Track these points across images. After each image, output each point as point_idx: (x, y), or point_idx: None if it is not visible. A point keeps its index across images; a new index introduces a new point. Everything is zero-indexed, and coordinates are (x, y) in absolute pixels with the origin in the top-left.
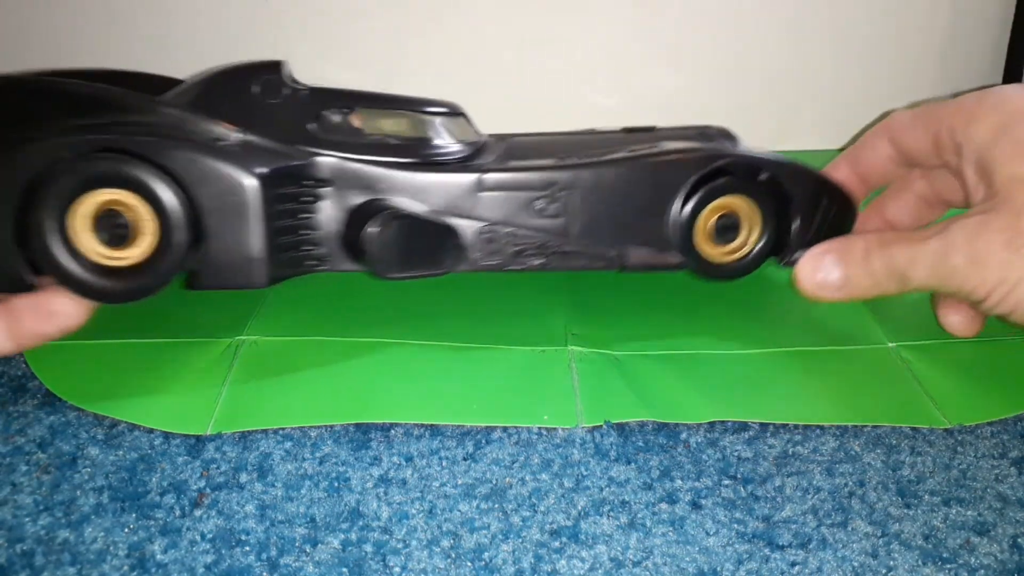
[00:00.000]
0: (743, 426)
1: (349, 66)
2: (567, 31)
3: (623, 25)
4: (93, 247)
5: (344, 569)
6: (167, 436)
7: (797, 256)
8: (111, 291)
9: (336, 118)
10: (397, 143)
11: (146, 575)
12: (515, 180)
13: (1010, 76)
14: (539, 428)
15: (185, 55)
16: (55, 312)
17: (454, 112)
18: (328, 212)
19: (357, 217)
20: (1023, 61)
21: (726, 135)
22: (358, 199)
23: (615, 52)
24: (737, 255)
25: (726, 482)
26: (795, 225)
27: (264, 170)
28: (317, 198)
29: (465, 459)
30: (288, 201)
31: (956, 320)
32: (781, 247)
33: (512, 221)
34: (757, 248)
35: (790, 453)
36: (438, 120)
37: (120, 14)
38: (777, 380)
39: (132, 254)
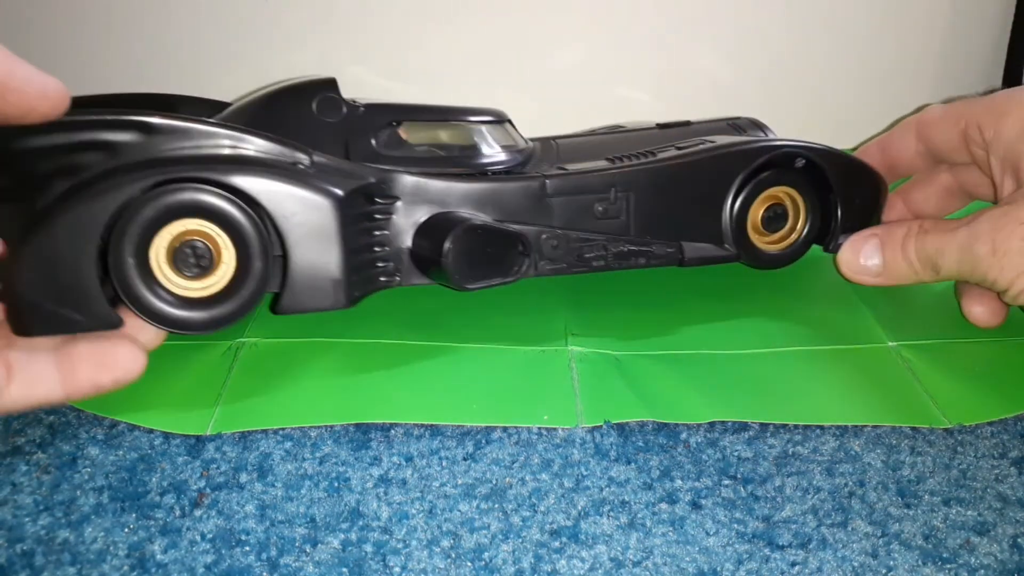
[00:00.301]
0: (743, 426)
1: (360, 61)
2: (591, 28)
3: (646, 21)
4: (174, 279)
5: (344, 569)
6: (167, 436)
7: (841, 241)
8: (194, 322)
9: (395, 134)
10: (455, 154)
11: (146, 575)
12: (577, 184)
13: (1010, 76)
14: (539, 428)
15: (187, 55)
16: (115, 363)
17: (500, 119)
18: (398, 228)
19: (427, 231)
20: (1023, 61)
21: (758, 125)
22: (426, 213)
23: (642, 47)
24: (785, 243)
25: (726, 482)
26: (837, 211)
27: (340, 192)
28: (387, 215)
29: (465, 459)
30: (362, 220)
31: (979, 311)
32: (824, 233)
33: (575, 225)
34: (803, 235)
35: (790, 453)
36: (485, 128)
37: (119, 14)
38: (777, 380)
39: (213, 283)
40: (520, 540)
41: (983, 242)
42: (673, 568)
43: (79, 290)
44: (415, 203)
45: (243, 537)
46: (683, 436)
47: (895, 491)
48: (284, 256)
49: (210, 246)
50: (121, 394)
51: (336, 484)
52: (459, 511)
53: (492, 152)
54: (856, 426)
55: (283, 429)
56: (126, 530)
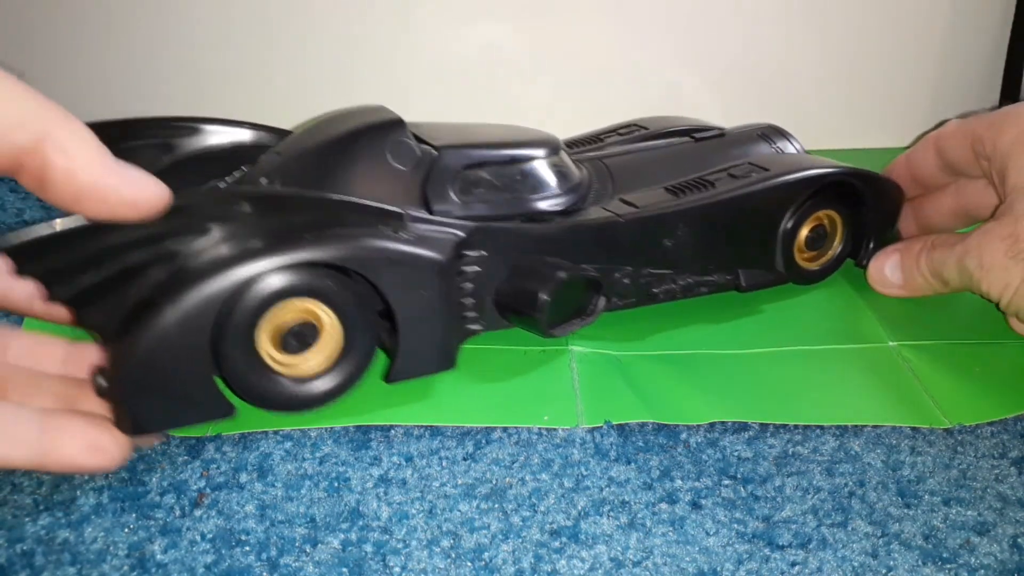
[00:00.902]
0: (743, 426)
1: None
2: (587, 34)
3: (640, 27)
4: (279, 358)
5: (344, 569)
6: (167, 436)
7: (871, 256)
8: (300, 400)
9: (468, 178)
10: (526, 195)
11: (146, 575)
12: (648, 222)
13: (1010, 78)
14: (539, 428)
15: (187, 55)
16: (101, 448)
17: (556, 147)
18: (482, 277)
19: (516, 281)
20: (1022, 65)
21: (782, 133)
22: (508, 260)
23: (634, 53)
24: (823, 260)
25: (726, 482)
26: (873, 230)
27: (441, 258)
28: (475, 266)
29: (465, 459)
30: (455, 276)
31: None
32: (856, 248)
33: (645, 260)
34: (839, 252)
35: (790, 453)
36: (547, 163)
37: (119, 14)
38: (777, 380)
39: (318, 359)
40: (520, 540)
41: (972, 257)
42: (673, 568)
43: (193, 382)
44: (497, 251)
45: (243, 537)
46: (683, 436)
47: (895, 491)
48: (392, 325)
49: (315, 323)
50: None
51: (336, 484)
52: (459, 511)
53: (559, 188)
54: (856, 426)
55: (283, 429)
56: (126, 530)
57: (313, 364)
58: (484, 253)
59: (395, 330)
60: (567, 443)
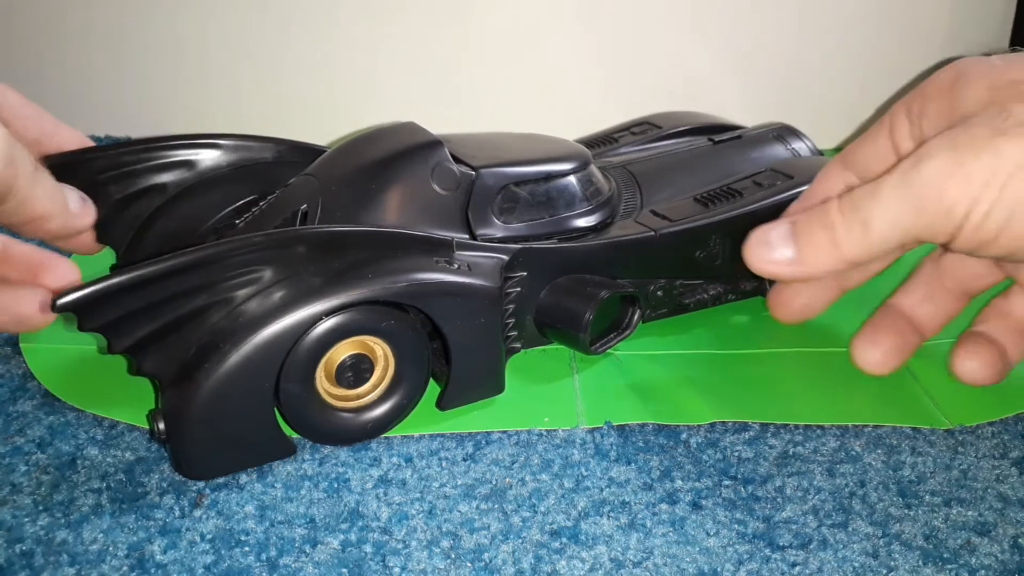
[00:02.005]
0: (743, 426)
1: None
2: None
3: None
4: (336, 392)
5: (344, 570)
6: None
7: None
8: (355, 431)
9: (507, 198)
10: (562, 213)
11: (145, 575)
12: (682, 236)
13: None
14: (539, 429)
15: (198, 67)
16: (23, 318)
17: (587, 162)
18: (523, 297)
19: (557, 300)
20: None
21: (797, 134)
22: (547, 279)
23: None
24: None
25: (726, 482)
26: None
27: (495, 286)
28: (517, 287)
29: (465, 459)
30: (503, 300)
31: (973, 366)
32: None
33: (678, 272)
34: None
35: (790, 453)
36: (580, 176)
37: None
38: (777, 380)
39: (372, 390)
40: (520, 540)
41: (933, 157)
42: (673, 568)
43: (257, 424)
44: (538, 271)
45: (242, 537)
46: (683, 436)
47: (896, 491)
48: (446, 354)
49: (369, 356)
50: (121, 396)
51: (336, 485)
52: (459, 511)
53: (592, 203)
54: (857, 426)
55: None
56: (125, 530)
57: (368, 396)
58: (525, 274)
59: (447, 357)
60: (567, 443)
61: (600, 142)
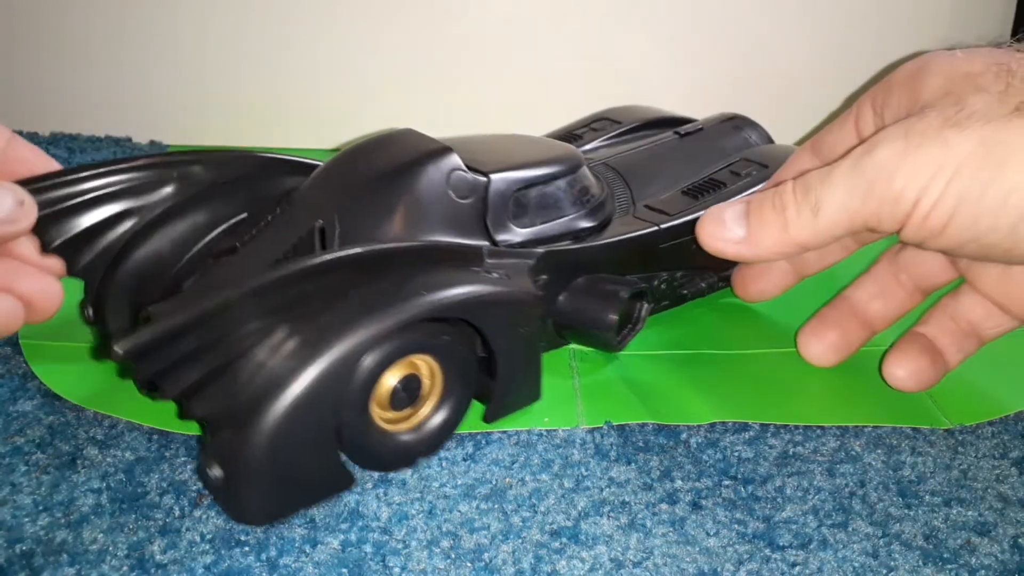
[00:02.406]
0: (743, 426)
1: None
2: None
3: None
4: (389, 417)
5: (344, 570)
6: (166, 436)
7: None
8: (410, 452)
9: (518, 203)
10: (568, 214)
11: (145, 575)
12: (681, 229)
13: None
14: (539, 429)
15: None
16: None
17: (580, 161)
18: (545, 302)
19: (577, 301)
20: None
21: (752, 124)
22: (563, 281)
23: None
24: None
25: (726, 482)
26: None
27: (533, 291)
28: (542, 291)
29: (465, 459)
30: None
31: (900, 374)
32: None
33: (679, 265)
34: None
35: (790, 453)
36: (578, 177)
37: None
38: (777, 380)
39: (421, 411)
40: (520, 540)
41: (885, 144)
42: (673, 569)
43: (320, 459)
44: (557, 274)
45: (242, 538)
46: (683, 436)
47: (896, 491)
48: (491, 367)
49: (416, 374)
50: (122, 394)
51: None
52: (459, 511)
53: (592, 202)
54: (857, 426)
55: None
56: (125, 530)
57: (418, 416)
58: (546, 277)
59: (490, 368)
60: (567, 443)
61: (565, 139)
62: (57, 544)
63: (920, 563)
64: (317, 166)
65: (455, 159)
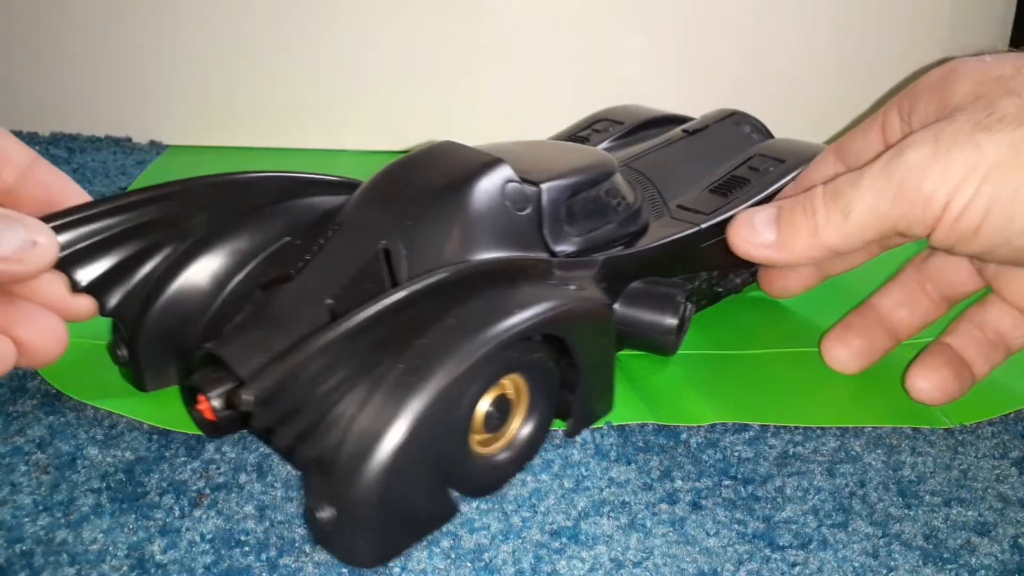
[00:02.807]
0: (743, 426)
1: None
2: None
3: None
4: (482, 439)
5: (344, 570)
6: (166, 436)
7: None
8: (504, 472)
9: (570, 210)
10: (614, 219)
11: (145, 575)
12: (719, 227)
13: None
14: None
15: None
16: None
17: (615, 167)
18: None
19: (634, 306)
20: None
21: (748, 118)
22: (620, 288)
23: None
24: None
25: (726, 482)
26: None
27: (607, 300)
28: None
29: None
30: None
31: (925, 387)
32: None
33: (715, 264)
34: None
35: (790, 453)
36: (617, 182)
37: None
38: (777, 380)
39: (509, 431)
40: (520, 540)
41: (915, 147)
42: (673, 569)
43: (430, 492)
44: (614, 280)
45: (242, 538)
46: (683, 436)
47: (896, 491)
48: (575, 381)
49: (506, 393)
50: (123, 391)
51: None
52: (459, 511)
53: (632, 206)
54: (857, 426)
55: None
56: (125, 530)
57: (506, 437)
58: (604, 285)
59: (572, 384)
60: (567, 443)
61: (572, 141)
62: (57, 544)
63: (920, 563)
64: (348, 184)
65: (508, 170)
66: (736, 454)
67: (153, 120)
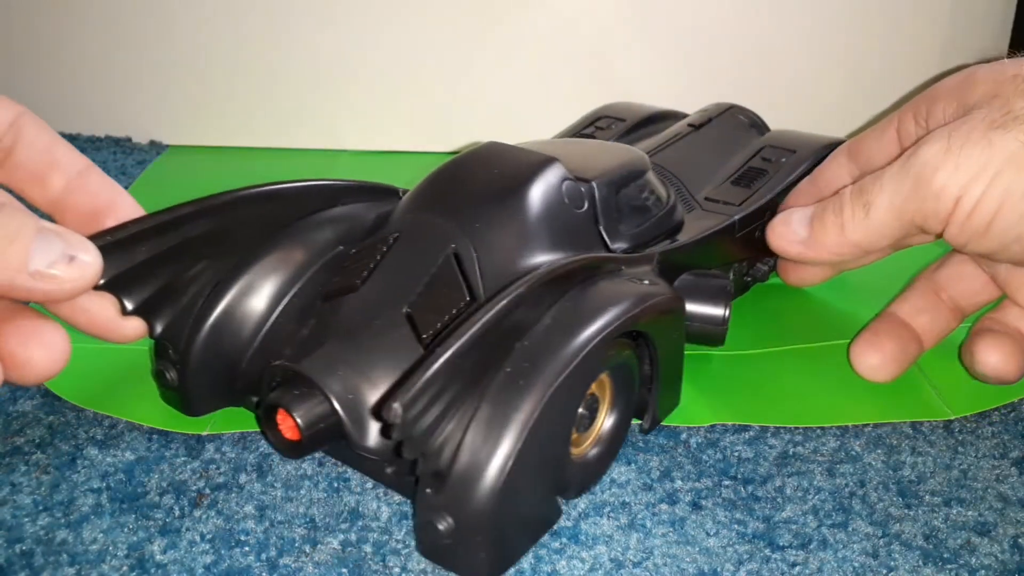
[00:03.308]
0: (743, 426)
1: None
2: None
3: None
4: (575, 439)
5: (344, 570)
6: (166, 436)
7: None
8: (592, 475)
9: (620, 206)
10: (656, 214)
11: (145, 575)
12: (752, 217)
13: None
14: None
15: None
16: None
17: (649, 164)
18: None
19: (688, 298)
20: None
21: (744, 110)
22: (670, 282)
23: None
24: None
25: (726, 482)
26: None
27: (678, 295)
28: None
29: None
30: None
31: (995, 360)
32: None
33: (746, 254)
34: None
35: (790, 453)
36: (651, 175)
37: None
38: (778, 380)
39: (594, 432)
40: None
41: (931, 144)
42: (673, 569)
43: (539, 499)
44: (666, 275)
45: (242, 538)
46: (683, 437)
47: (896, 491)
48: (651, 376)
49: (596, 394)
50: (121, 394)
51: (335, 484)
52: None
53: (669, 202)
54: (857, 426)
55: None
56: (125, 530)
57: (593, 436)
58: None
59: (651, 377)
60: None
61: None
62: (57, 544)
63: (920, 563)
64: (388, 189)
65: (562, 168)
66: (736, 454)
67: (153, 120)
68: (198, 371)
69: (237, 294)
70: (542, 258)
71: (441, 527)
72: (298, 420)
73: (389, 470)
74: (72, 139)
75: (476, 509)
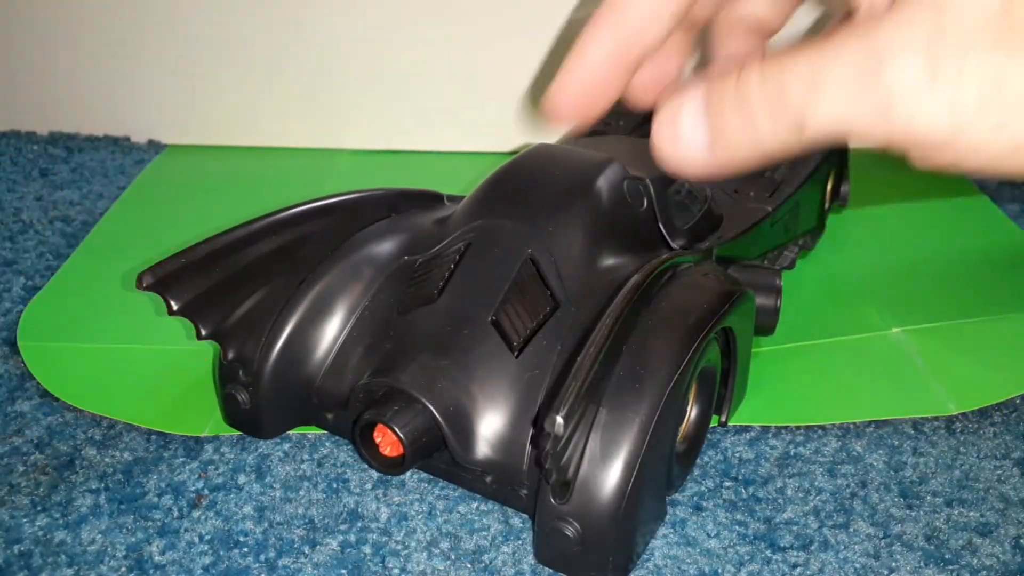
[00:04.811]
0: (744, 427)
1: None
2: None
3: None
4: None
5: (343, 571)
6: (165, 437)
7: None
8: (683, 470)
9: (676, 202)
10: (702, 209)
11: None
12: (781, 207)
13: None
14: None
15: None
16: None
17: None
18: None
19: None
20: None
21: None
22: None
23: None
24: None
25: (727, 484)
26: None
27: (746, 289)
28: None
29: None
30: None
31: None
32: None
33: (774, 241)
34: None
35: (791, 454)
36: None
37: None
38: (778, 379)
39: (685, 426)
40: (520, 542)
41: (905, 55)
42: (674, 570)
43: (655, 500)
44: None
45: (241, 538)
46: None
47: (897, 492)
48: (727, 369)
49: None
50: (120, 395)
51: (335, 485)
52: (459, 512)
53: (707, 197)
54: (858, 427)
55: None
56: (124, 531)
57: (685, 427)
58: None
59: (727, 371)
60: None
61: (587, 136)
62: (55, 544)
63: (921, 564)
64: (434, 195)
65: (621, 168)
66: (737, 455)
67: (152, 119)
68: (271, 392)
69: (307, 312)
70: (613, 259)
71: (569, 534)
72: (401, 435)
73: (488, 479)
74: (70, 138)
75: (604, 514)
